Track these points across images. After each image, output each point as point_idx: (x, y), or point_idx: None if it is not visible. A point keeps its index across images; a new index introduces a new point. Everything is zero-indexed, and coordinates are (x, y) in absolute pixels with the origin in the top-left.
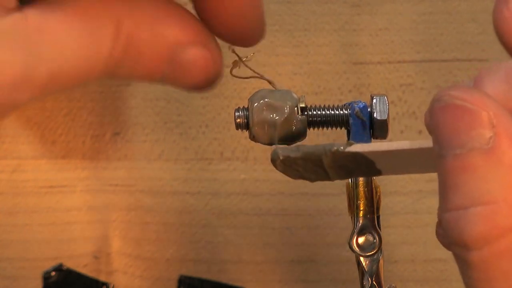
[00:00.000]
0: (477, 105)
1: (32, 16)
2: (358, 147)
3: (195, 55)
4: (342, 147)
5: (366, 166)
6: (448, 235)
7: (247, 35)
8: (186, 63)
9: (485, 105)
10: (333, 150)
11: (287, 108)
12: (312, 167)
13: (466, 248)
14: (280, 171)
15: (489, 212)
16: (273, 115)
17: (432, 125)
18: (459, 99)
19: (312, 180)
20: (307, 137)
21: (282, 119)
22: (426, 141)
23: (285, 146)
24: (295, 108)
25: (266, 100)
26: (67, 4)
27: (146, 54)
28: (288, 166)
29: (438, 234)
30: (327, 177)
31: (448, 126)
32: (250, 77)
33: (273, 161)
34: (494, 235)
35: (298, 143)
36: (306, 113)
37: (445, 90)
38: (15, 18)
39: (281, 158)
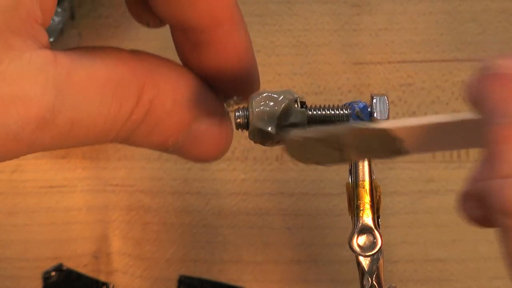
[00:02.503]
0: None
1: (61, 59)
2: (384, 124)
3: (211, 127)
4: (367, 124)
5: (391, 145)
6: (492, 203)
7: (239, 87)
8: (201, 135)
9: None
10: (357, 129)
11: (286, 99)
12: (326, 149)
13: (508, 216)
14: (290, 154)
15: None
16: (272, 105)
17: (478, 93)
18: (506, 68)
19: (323, 164)
20: None
21: (282, 107)
22: (463, 114)
23: (302, 129)
24: (295, 102)
25: (265, 94)
26: (95, 58)
27: (165, 122)
28: (300, 149)
29: (465, 208)
30: (342, 159)
31: (494, 95)
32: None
33: (290, 141)
34: None
35: (315, 126)
36: (307, 111)
37: (493, 59)
38: (47, 54)
39: (295, 138)
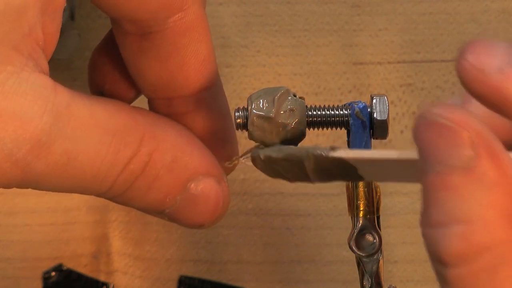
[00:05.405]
0: (459, 124)
1: (61, 89)
2: (341, 153)
3: (209, 187)
4: (325, 152)
5: (348, 172)
6: (428, 250)
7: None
8: (199, 195)
9: (467, 124)
10: (316, 154)
11: (283, 87)
12: (293, 169)
13: (443, 265)
14: (259, 169)
15: (466, 231)
16: (269, 92)
17: (415, 141)
18: (441, 117)
19: (291, 180)
20: (306, 137)
21: (280, 93)
22: (412, 152)
23: (267, 147)
24: (292, 93)
25: (263, 88)
26: (95, 101)
27: (164, 178)
28: (268, 166)
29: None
30: (308, 179)
31: (430, 143)
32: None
33: (253, 159)
34: (470, 254)
35: (280, 146)
36: (307, 111)
37: (429, 107)
38: (47, 80)
39: (261, 157)
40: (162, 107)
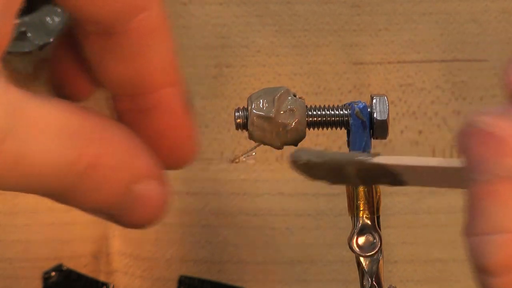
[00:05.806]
0: (506, 132)
1: (13, 89)
2: (383, 159)
3: (152, 189)
4: (367, 158)
5: (391, 177)
6: (471, 259)
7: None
8: (142, 196)
9: None
10: (358, 161)
11: (283, 88)
12: (334, 173)
13: (487, 274)
14: (299, 173)
15: (510, 240)
16: (269, 92)
17: (463, 149)
18: (489, 125)
19: (331, 183)
20: (306, 137)
21: (280, 92)
22: (453, 160)
23: (308, 149)
24: (291, 93)
25: (263, 88)
26: (46, 101)
27: (109, 179)
28: (307, 170)
29: None
30: (350, 183)
31: (477, 152)
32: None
33: (294, 162)
34: None
35: (321, 150)
36: (307, 111)
37: (478, 114)
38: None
39: (302, 162)
40: (125, 103)
